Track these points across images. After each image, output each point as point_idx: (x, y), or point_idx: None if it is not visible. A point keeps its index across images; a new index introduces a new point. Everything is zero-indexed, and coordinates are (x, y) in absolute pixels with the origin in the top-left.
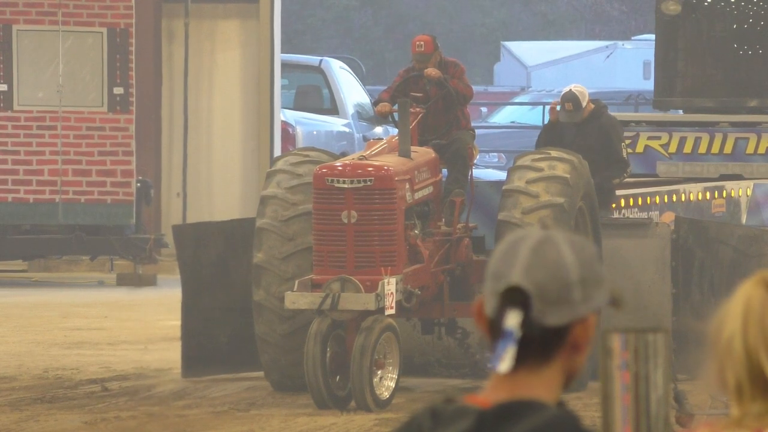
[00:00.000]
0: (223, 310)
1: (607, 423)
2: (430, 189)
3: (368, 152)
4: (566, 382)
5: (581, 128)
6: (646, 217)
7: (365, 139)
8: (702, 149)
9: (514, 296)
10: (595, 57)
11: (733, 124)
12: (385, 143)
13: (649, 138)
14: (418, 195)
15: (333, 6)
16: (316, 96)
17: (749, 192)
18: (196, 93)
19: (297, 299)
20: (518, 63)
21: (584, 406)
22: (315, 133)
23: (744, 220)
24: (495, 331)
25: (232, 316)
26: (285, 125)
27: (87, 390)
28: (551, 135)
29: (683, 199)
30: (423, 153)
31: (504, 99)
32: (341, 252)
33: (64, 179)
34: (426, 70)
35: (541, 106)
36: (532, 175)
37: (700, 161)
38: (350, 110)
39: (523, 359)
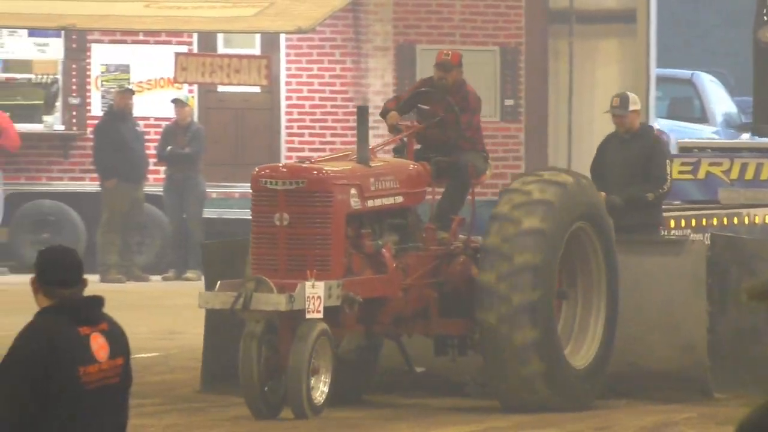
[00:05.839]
0: None
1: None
2: (399, 199)
3: (322, 156)
4: None
5: (626, 143)
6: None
7: None
8: (764, 175)
9: None
10: None
11: None
12: (349, 151)
13: (711, 164)
14: (373, 203)
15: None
16: (688, 106)
17: None
18: (579, 106)
19: (210, 299)
20: None
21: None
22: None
23: None
24: None
25: None
26: (659, 133)
27: None
28: (600, 150)
29: (747, 222)
30: (394, 163)
31: None
32: (274, 255)
33: None
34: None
35: None
36: (520, 198)
37: (762, 187)
38: (719, 119)
39: None
